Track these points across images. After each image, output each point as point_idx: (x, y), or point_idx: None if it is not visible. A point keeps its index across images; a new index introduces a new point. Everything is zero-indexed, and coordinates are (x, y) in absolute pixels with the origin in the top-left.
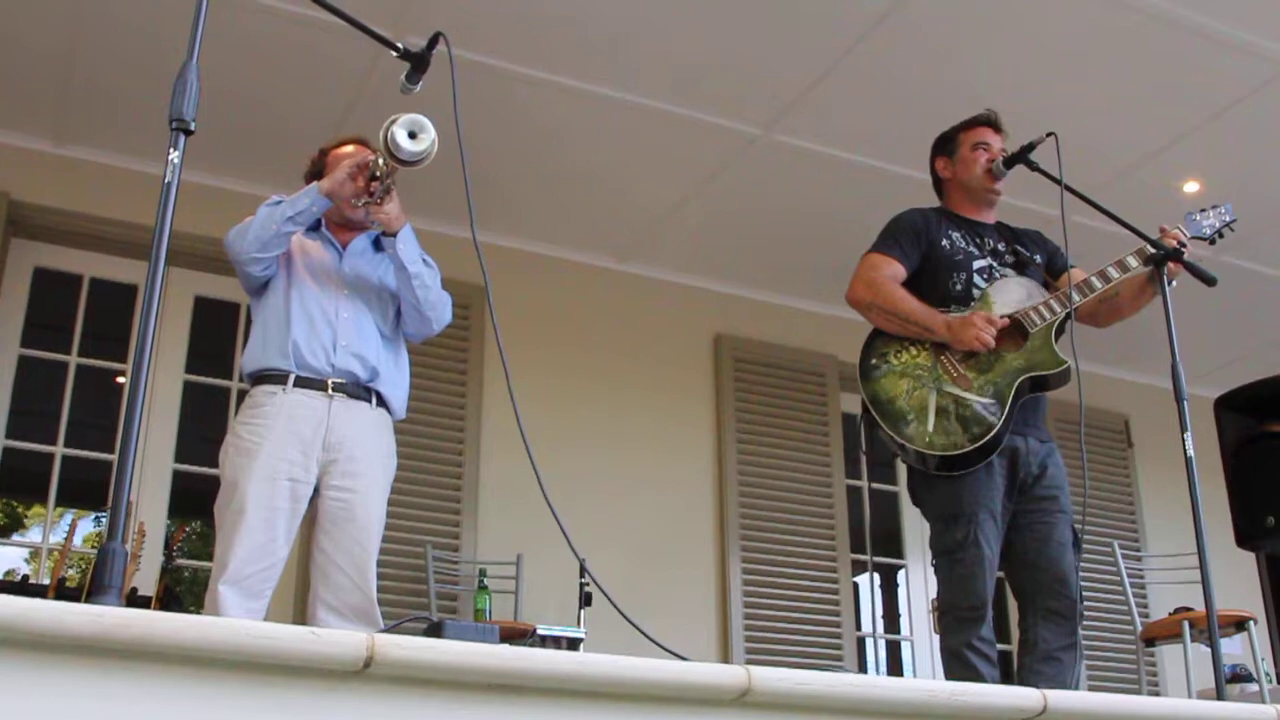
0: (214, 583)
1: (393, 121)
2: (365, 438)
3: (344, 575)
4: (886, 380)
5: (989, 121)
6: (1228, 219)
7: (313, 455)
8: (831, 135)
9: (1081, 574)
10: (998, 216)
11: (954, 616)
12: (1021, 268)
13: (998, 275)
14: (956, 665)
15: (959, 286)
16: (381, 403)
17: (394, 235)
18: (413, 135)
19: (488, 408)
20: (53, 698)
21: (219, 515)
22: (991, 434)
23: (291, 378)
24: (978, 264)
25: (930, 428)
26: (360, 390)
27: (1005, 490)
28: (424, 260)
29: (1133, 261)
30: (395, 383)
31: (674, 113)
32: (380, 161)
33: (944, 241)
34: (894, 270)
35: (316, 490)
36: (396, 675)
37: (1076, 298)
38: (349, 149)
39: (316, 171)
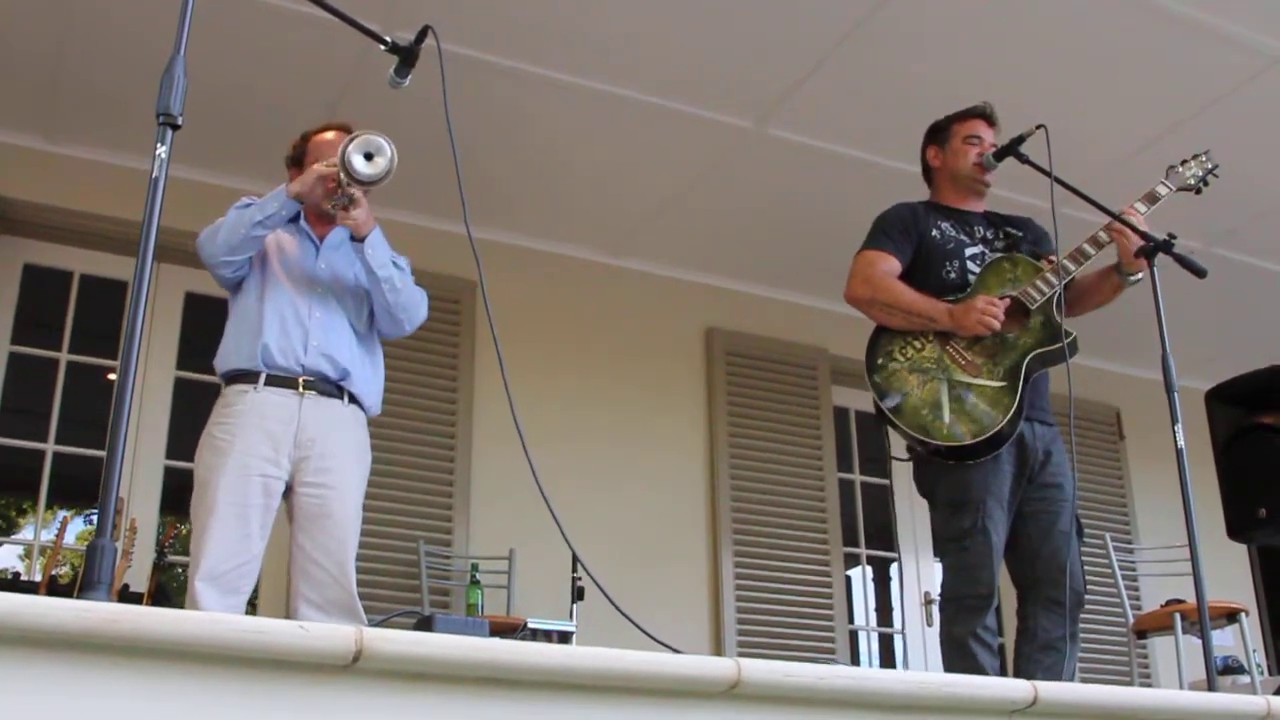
0: (191, 579)
1: (350, 140)
2: (337, 434)
3: (323, 571)
4: (895, 377)
5: (983, 114)
6: (1210, 166)
7: (284, 451)
8: (824, 129)
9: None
10: (987, 206)
11: (959, 605)
12: (1012, 251)
13: (989, 260)
14: (958, 654)
15: (953, 275)
16: (354, 399)
17: (363, 240)
18: (369, 157)
19: (479, 402)
20: (42, 693)
21: (194, 514)
22: (1011, 413)
23: (262, 377)
24: (969, 251)
25: (947, 419)
26: (331, 387)
27: (1014, 478)
28: (394, 263)
29: (1102, 235)
30: (367, 380)
31: (666, 107)
32: (341, 177)
33: (934, 232)
34: (889, 265)
35: (291, 488)
36: (385, 669)
37: (1071, 266)
38: (330, 135)
39: (297, 157)
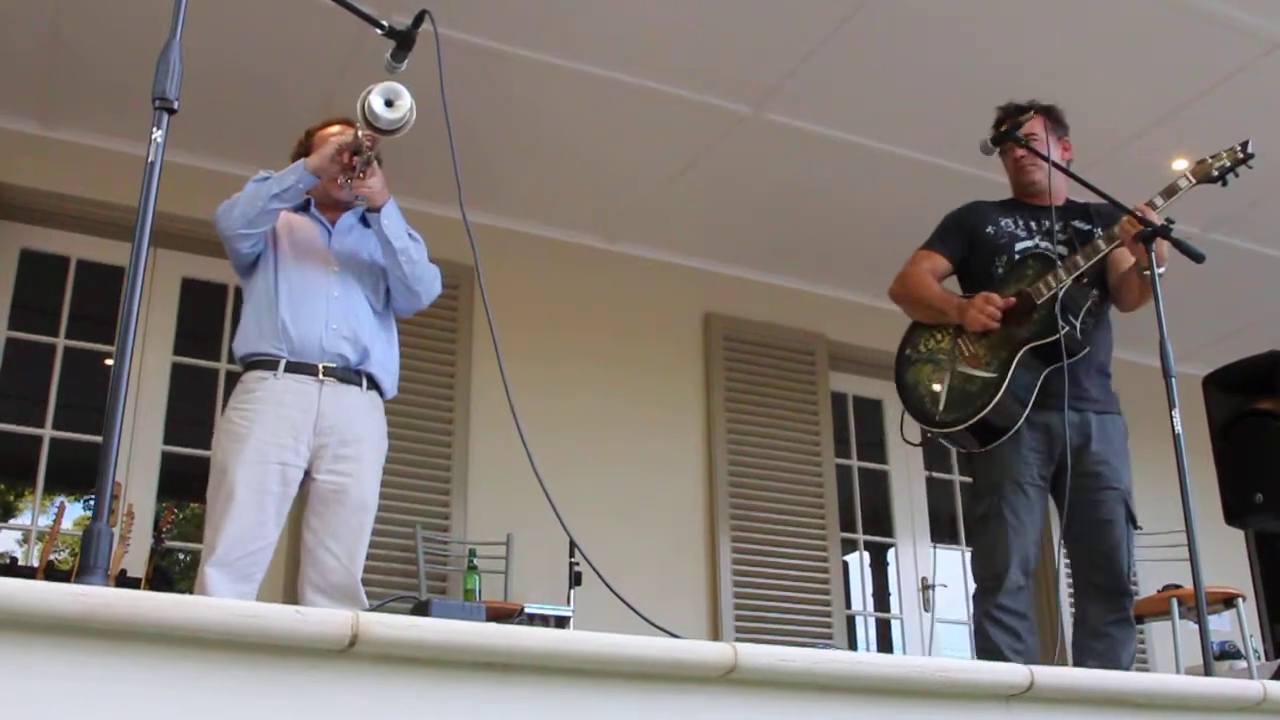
0: (203, 565)
1: (369, 91)
2: (357, 421)
3: (332, 556)
4: (915, 368)
5: (1014, 111)
6: (1241, 156)
7: (303, 439)
8: (822, 113)
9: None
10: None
11: (979, 586)
12: (1075, 246)
13: (1043, 254)
14: (978, 634)
15: (1000, 270)
16: (373, 384)
17: (378, 210)
18: (389, 103)
19: (477, 387)
20: (38, 677)
21: (210, 499)
22: (990, 405)
23: (283, 363)
24: (1021, 246)
25: (942, 407)
26: (351, 374)
27: (1040, 464)
28: (410, 235)
29: (1116, 230)
30: (387, 359)
31: (664, 92)
32: (361, 135)
33: (989, 228)
34: (933, 263)
35: (309, 474)
36: (382, 654)
37: (1082, 262)
38: (335, 129)
39: (302, 154)
